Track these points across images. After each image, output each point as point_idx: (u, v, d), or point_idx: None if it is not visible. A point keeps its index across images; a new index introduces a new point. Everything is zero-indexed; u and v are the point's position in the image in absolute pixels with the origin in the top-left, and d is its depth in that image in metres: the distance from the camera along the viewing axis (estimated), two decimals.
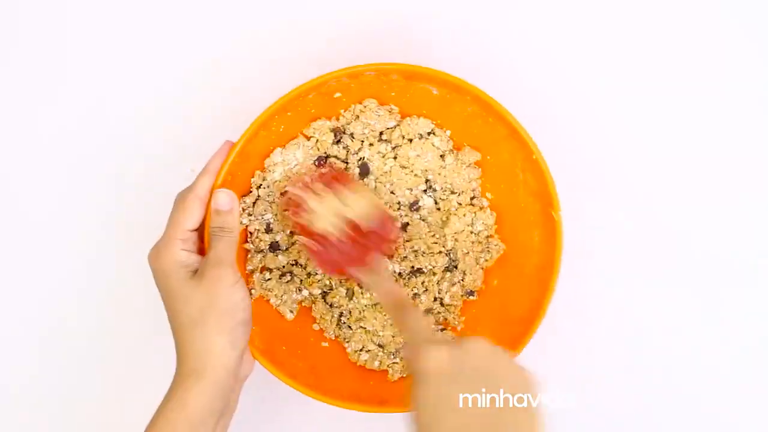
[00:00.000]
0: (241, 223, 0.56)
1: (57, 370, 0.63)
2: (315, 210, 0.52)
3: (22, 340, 0.63)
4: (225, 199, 0.50)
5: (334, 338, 0.59)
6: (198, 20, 0.63)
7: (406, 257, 0.58)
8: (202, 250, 0.51)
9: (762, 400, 0.63)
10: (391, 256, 0.58)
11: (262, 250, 0.57)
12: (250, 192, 0.56)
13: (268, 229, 0.57)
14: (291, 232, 0.57)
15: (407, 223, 0.58)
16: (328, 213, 0.52)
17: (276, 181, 0.56)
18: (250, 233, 0.57)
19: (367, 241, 0.52)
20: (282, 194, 0.55)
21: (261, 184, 0.56)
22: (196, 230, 0.51)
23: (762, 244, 0.63)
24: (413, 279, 0.58)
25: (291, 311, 0.58)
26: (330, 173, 0.55)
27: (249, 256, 0.57)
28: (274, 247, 0.57)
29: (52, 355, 0.63)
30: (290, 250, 0.57)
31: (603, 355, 0.63)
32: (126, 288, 0.62)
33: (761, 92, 0.63)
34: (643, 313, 0.63)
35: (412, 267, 0.58)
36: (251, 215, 0.56)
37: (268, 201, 0.56)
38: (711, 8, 0.63)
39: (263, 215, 0.56)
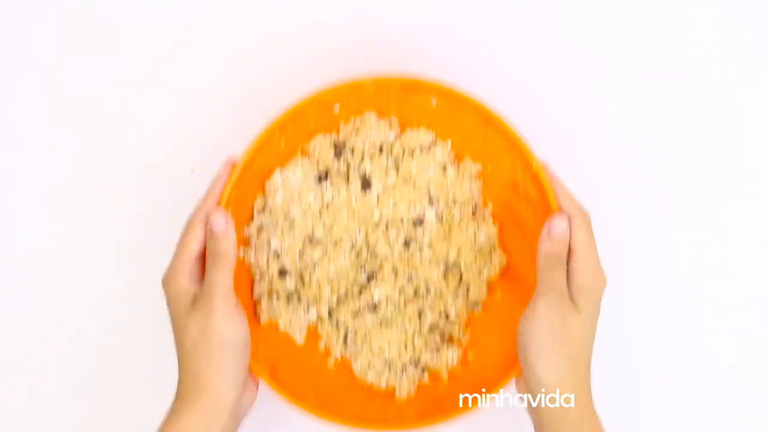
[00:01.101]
0: (244, 260, 0.55)
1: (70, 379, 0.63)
2: None
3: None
4: (219, 220, 0.49)
5: (340, 357, 0.58)
6: (192, 30, 0.63)
7: (410, 275, 0.57)
8: None
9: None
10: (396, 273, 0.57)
11: (268, 277, 0.56)
12: (252, 221, 0.56)
13: (276, 255, 0.56)
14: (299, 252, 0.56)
15: (410, 241, 0.58)
16: None
17: (279, 205, 0.56)
18: (257, 264, 0.56)
19: None
20: None
21: (263, 209, 0.56)
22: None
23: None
24: (418, 296, 0.58)
25: (300, 332, 0.57)
26: None
27: (255, 282, 0.56)
28: (282, 272, 0.56)
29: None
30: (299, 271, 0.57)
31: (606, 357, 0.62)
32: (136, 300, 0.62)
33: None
34: (646, 319, 0.63)
35: (418, 284, 0.57)
36: (253, 247, 0.55)
37: (272, 226, 0.56)
38: (712, 8, 0.63)
39: (269, 243, 0.56)
